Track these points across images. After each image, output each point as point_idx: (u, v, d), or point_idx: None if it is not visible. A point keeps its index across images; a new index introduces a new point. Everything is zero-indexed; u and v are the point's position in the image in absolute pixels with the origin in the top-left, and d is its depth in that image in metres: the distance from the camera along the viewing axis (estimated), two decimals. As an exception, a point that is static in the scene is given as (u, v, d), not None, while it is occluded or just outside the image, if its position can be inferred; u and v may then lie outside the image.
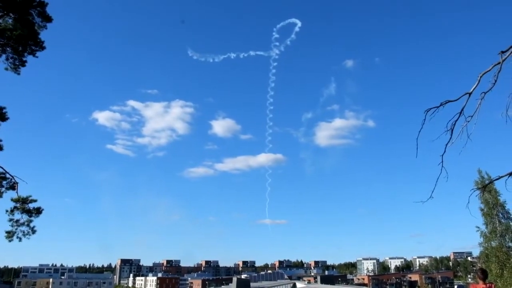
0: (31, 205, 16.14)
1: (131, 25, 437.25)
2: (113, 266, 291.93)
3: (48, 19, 15.50)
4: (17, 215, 15.88)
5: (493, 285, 10.90)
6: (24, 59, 15.64)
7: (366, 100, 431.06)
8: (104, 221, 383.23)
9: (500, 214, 36.02)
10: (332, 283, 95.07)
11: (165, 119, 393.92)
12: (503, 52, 7.39)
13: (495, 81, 7.49)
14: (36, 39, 15.39)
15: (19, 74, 15.73)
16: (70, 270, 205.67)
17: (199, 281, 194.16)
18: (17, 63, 15.58)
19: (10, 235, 15.65)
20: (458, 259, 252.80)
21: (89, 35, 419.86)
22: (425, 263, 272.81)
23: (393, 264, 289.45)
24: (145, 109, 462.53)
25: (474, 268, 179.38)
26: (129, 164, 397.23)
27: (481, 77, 7.63)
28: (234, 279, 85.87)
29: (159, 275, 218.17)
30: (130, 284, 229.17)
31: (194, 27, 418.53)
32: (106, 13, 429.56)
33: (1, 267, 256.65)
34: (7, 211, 15.71)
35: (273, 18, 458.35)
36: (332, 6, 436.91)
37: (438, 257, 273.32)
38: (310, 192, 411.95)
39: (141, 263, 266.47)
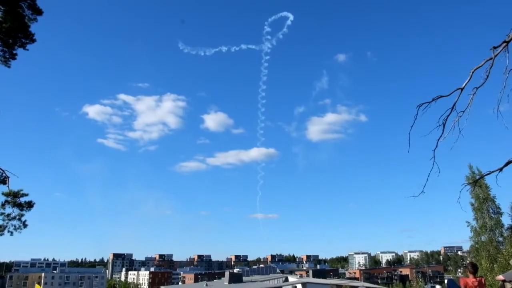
0: (22, 199, 16.04)
1: (122, 18, 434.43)
2: (105, 260, 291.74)
3: (39, 11, 15.31)
4: (8, 209, 15.78)
5: (483, 279, 11.00)
6: (14, 52, 15.46)
7: (358, 94, 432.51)
8: (96, 216, 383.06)
9: (490, 209, 36.37)
10: (324, 277, 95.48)
11: (156, 113, 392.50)
12: (495, 47, 7.40)
13: (487, 76, 7.51)
14: (26, 32, 15.21)
15: (9, 67, 15.57)
16: (62, 264, 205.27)
17: (192, 275, 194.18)
18: (7, 56, 15.40)
19: (1, 229, 15.54)
20: (449, 254, 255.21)
21: (79, 29, 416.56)
22: (416, 257, 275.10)
23: (384, 258, 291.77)
24: (136, 103, 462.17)
25: (464, 263, 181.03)
26: (120, 159, 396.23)
27: (473, 72, 7.65)
28: (227, 273, 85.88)
29: (152, 269, 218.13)
30: (123, 279, 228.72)
31: (185, 20, 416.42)
32: (96, 7, 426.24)
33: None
34: (-2, 205, 15.60)
35: (265, 12, 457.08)
36: (324, 0, 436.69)
37: (429, 252, 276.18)
38: (302, 186, 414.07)
39: (133, 258, 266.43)
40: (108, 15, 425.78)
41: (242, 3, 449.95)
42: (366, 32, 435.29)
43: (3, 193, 15.70)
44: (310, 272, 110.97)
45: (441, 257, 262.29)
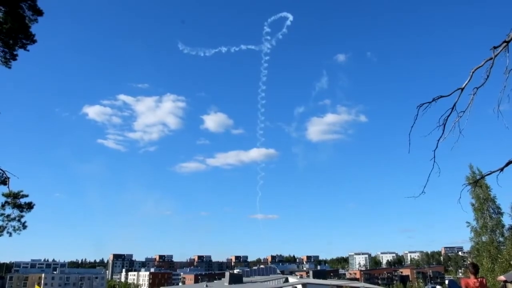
0: (22, 200, 16.04)
1: (122, 18, 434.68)
2: (105, 261, 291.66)
3: (39, 12, 15.30)
4: (8, 210, 15.78)
5: (484, 280, 10.97)
6: (15, 52, 15.46)
7: (358, 94, 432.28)
8: (96, 216, 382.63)
9: (490, 209, 36.29)
10: (324, 278, 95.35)
11: (156, 113, 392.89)
12: (495, 47, 7.39)
13: (488, 76, 7.49)
14: (27, 33, 15.21)
15: (10, 67, 15.57)
16: (62, 265, 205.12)
17: (192, 276, 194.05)
18: (8, 57, 15.39)
19: (0, 230, 15.53)
20: (449, 254, 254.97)
21: (79, 29, 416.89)
22: (416, 257, 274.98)
23: (385, 259, 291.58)
24: (136, 103, 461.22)
25: (465, 263, 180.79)
26: (120, 159, 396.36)
27: (473, 72, 7.64)
28: (227, 274, 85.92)
29: (152, 270, 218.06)
30: (123, 279, 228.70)
31: (185, 20, 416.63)
32: (96, 7, 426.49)
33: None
34: (-2, 206, 15.59)
35: (265, 12, 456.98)
36: (324, 0, 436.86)
37: (429, 252, 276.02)
38: (302, 186, 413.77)
39: (133, 258, 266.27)
40: (108, 15, 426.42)
41: (242, 3, 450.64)
42: (366, 32, 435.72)
43: (3, 194, 15.71)
44: (311, 272, 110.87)
45: (441, 258, 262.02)
